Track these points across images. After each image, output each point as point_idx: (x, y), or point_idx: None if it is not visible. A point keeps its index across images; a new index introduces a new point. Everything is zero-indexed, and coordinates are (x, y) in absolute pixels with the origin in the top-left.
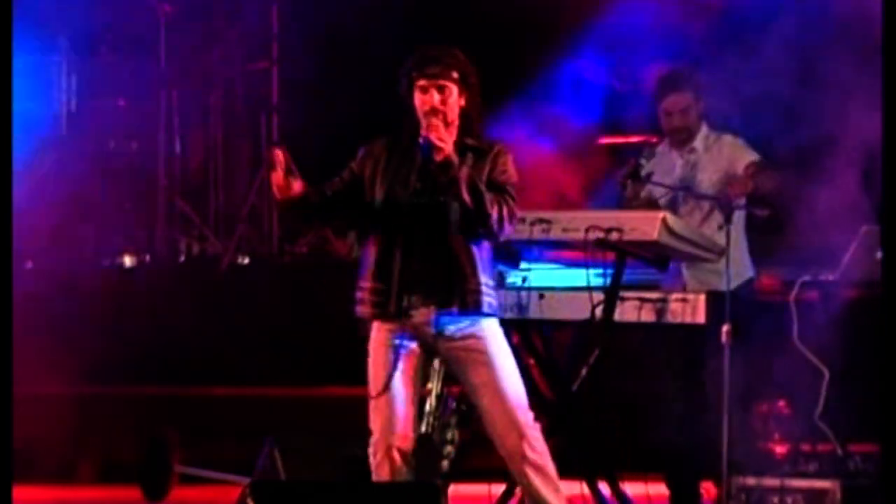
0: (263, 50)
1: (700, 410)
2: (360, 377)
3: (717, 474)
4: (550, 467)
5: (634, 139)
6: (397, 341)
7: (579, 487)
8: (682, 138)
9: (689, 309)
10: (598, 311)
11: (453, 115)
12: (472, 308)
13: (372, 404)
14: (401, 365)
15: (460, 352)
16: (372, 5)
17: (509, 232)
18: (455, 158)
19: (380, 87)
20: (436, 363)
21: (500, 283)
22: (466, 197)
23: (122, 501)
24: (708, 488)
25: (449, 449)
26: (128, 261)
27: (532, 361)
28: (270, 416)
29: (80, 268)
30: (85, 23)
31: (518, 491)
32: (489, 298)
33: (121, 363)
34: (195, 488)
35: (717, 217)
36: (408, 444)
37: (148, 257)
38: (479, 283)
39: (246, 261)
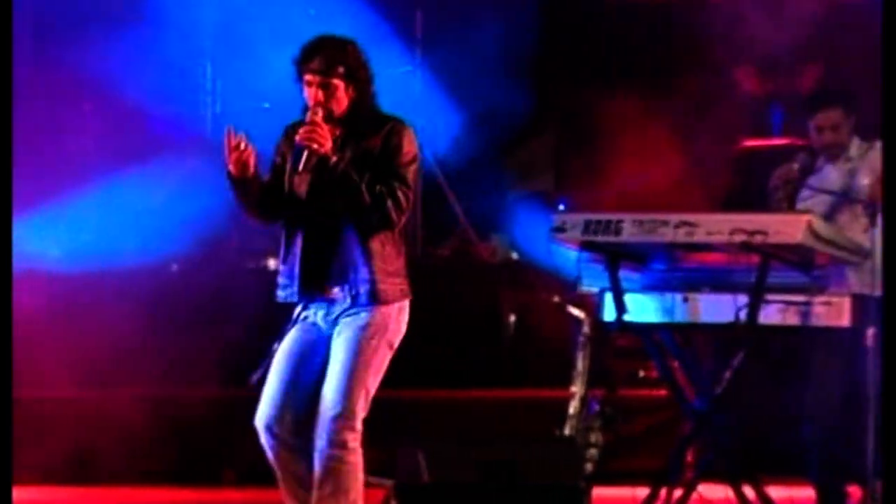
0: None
1: (845, 413)
2: (503, 380)
3: (862, 477)
4: (343, 475)
5: (780, 142)
6: (299, 324)
7: (724, 491)
8: (835, 153)
9: (834, 312)
10: (743, 315)
11: (340, 108)
12: (365, 299)
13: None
14: (290, 346)
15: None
16: None
17: (401, 221)
18: (333, 158)
19: None
20: (579, 365)
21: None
22: (344, 198)
23: (264, 503)
24: (853, 491)
25: (592, 451)
26: (272, 263)
27: (676, 364)
28: (413, 418)
29: (225, 271)
30: (229, 26)
31: (662, 493)
32: (385, 286)
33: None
34: None
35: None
36: (275, 424)
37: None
38: (371, 273)
39: None
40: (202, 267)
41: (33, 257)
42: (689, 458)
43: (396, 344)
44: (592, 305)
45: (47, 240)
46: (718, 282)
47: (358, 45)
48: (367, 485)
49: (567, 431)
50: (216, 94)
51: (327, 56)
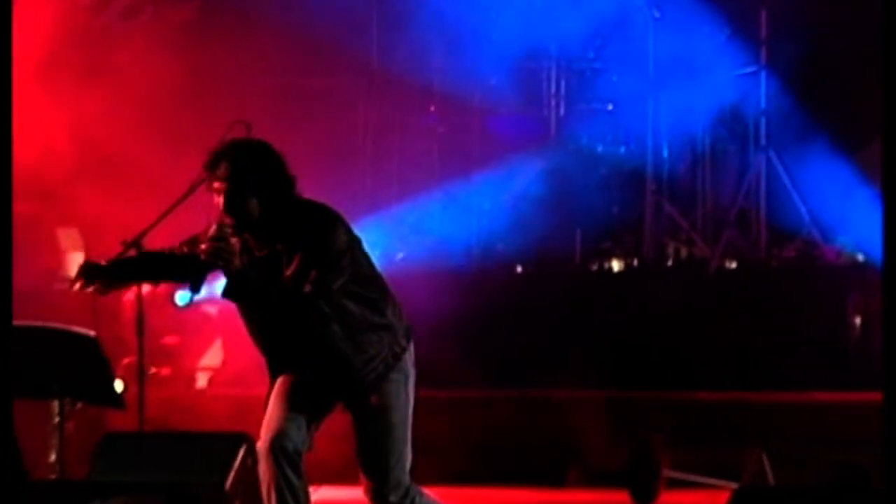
0: (752, 54)
1: None
2: (849, 383)
3: None
4: None
5: None
6: None
7: None
8: None
9: None
10: None
11: (252, 209)
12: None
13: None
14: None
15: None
16: None
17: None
18: (238, 273)
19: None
20: None
21: None
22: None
23: None
24: None
25: None
26: (616, 265)
27: None
28: (756, 420)
29: (569, 272)
30: (573, 29)
31: None
32: (373, 375)
33: (608, 367)
34: (683, 492)
35: None
36: (290, 444)
37: (636, 261)
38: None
39: (733, 265)
40: (544, 269)
41: (378, 259)
42: None
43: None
44: None
45: (393, 241)
46: None
47: (253, 147)
48: (710, 486)
49: None
50: (559, 97)
51: (215, 163)
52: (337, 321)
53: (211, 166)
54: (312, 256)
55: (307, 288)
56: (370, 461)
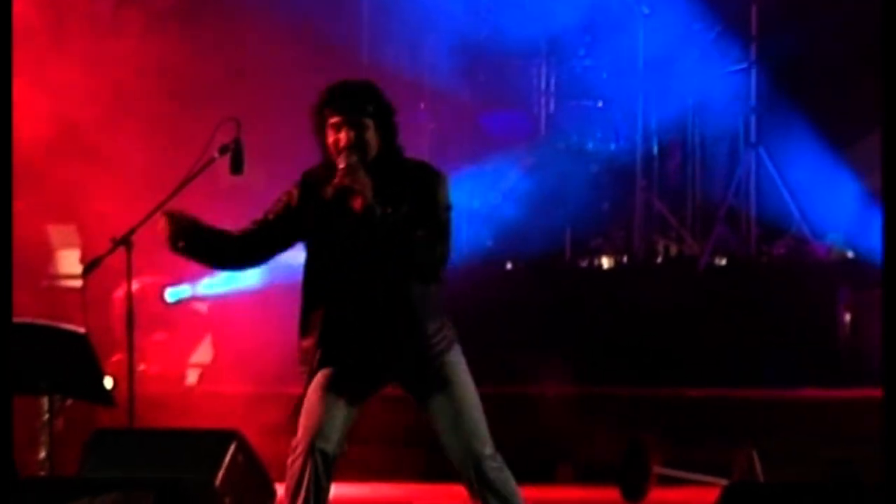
0: (743, 51)
1: None
2: (838, 379)
3: None
4: None
5: None
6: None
7: None
8: None
9: None
10: None
11: (372, 152)
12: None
13: (305, 406)
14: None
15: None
16: None
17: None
18: (377, 209)
19: None
20: None
21: None
22: (391, 251)
23: (600, 502)
24: None
25: None
26: (605, 262)
27: None
28: (746, 418)
29: (559, 269)
30: (563, 25)
31: None
32: (442, 344)
33: (598, 364)
34: (673, 489)
35: None
36: (330, 447)
37: (625, 258)
38: (425, 340)
39: (723, 262)
40: (534, 266)
41: None
42: None
43: None
44: None
45: None
46: None
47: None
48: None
49: None
50: (549, 94)
51: (356, 96)
52: (417, 286)
53: (353, 102)
54: (439, 216)
55: (440, 248)
56: (452, 438)
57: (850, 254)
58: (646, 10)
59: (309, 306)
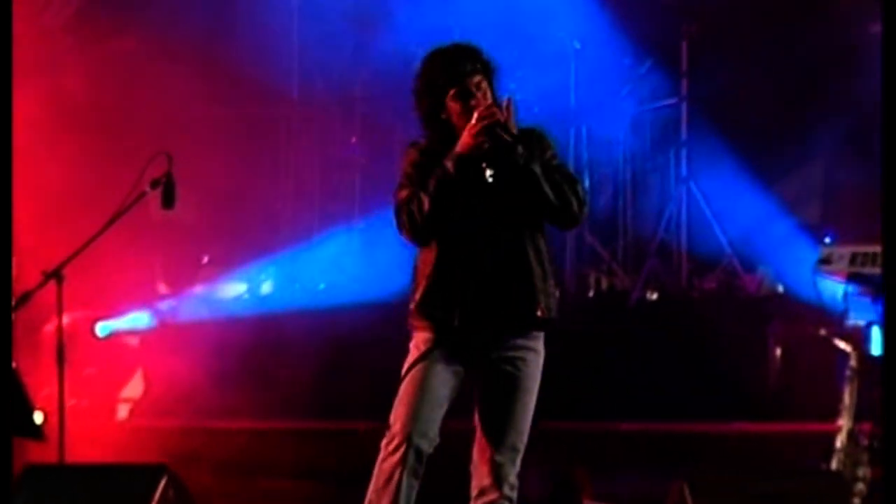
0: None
1: None
2: (768, 413)
3: None
4: None
5: None
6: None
7: None
8: None
9: None
10: None
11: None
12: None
13: (401, 397)
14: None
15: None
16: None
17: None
18: (518, 148)
19: None
20: (846, 398)
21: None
22: (531, 195)
23: None
24: None
25: (860, 486)
26: None
27: None
28: (677, 451)
29: None
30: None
31: None
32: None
33: None
34: None
35: None
36: (426, 444)
37: (557, 292)
38: (546, 294)
39: (654, 296)
40: None
41: (299, 291)
42: None
43: None
44: (860, 338)
45: (315, 274)
46: None
47: None
48: None
49: (834, 465)
50: None
51: (474, 57)
52: (532, 248)
53: (482, 64)
54: (564, 164)
55: (581, 188)
56: (497, 428)
57: (780, 288)
58: (577, 45)
59: (425, 262)
